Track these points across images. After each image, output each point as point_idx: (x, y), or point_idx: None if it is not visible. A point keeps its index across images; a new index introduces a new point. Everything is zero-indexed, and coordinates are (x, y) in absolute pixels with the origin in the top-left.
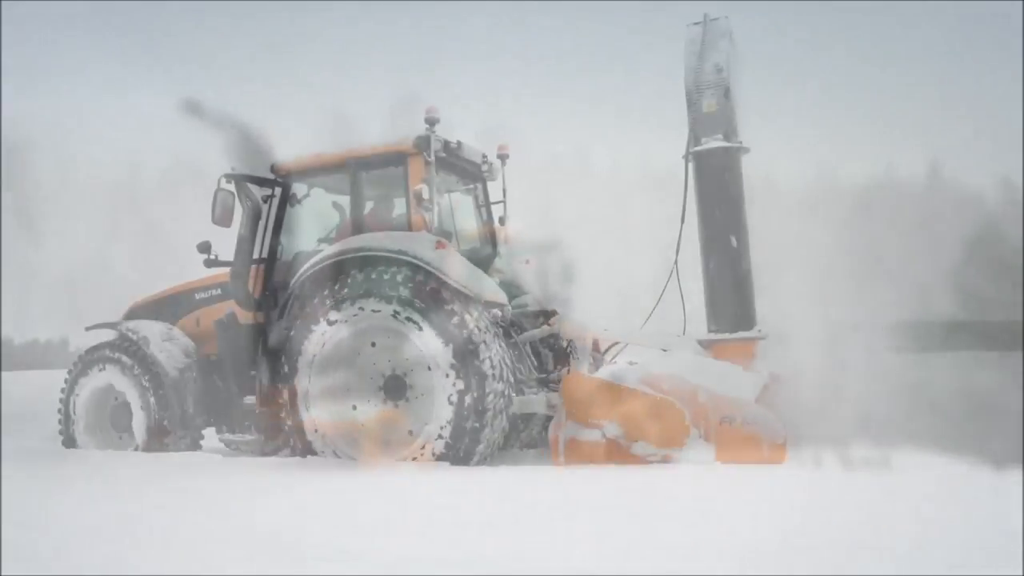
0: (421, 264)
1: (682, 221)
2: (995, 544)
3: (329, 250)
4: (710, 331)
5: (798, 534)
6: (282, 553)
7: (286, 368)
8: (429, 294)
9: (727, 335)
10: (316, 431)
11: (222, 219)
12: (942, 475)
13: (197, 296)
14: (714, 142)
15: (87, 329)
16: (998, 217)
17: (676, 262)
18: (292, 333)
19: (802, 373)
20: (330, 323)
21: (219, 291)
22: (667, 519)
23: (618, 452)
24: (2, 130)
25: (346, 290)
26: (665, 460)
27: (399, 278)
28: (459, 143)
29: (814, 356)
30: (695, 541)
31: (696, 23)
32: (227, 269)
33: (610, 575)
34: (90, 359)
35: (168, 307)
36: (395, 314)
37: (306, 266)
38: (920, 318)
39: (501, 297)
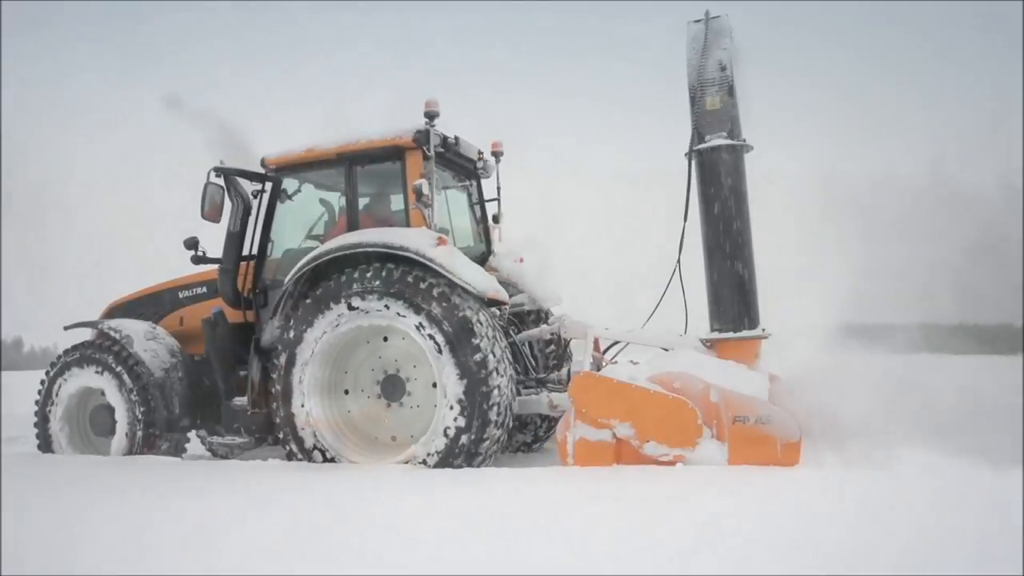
0: (427, 263)
1: (685, 219)
2: (995, 544)
3: (326, 247)
4: (713, 330)
5: (798, 534)
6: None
7: (282, 360)
8: (451, 311)
9: (730, 334)
10: (308, 422)
11: (211, 214)
12: (942, 475)
13: (180, 295)
14: (717, 140)
15: (66, 328)
16: (998, 217)
17: (679, 260)
18: (292, 323)
19: (802, 373)
20: (351, 308)
21: (204, 289)
22: (675, 520)
23: (629, 453)
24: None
25: (378, 283)
26: (677, 460)
27: (435, 292)
28: (456, 138)
29: (813, 356)
30: (698, 541)
31: (697, 20)
32: (212, 266)
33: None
34: (70, 359)
35: (149, 306)
36: (419, 327)
37: (303, 261)
38: (920, 319)
39: (503, 296)
